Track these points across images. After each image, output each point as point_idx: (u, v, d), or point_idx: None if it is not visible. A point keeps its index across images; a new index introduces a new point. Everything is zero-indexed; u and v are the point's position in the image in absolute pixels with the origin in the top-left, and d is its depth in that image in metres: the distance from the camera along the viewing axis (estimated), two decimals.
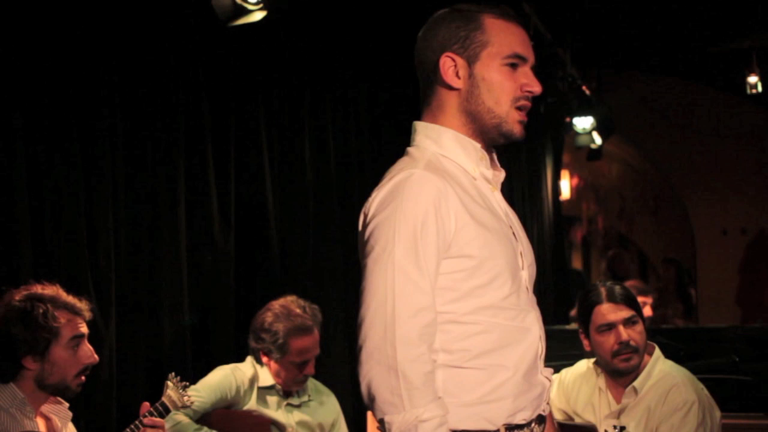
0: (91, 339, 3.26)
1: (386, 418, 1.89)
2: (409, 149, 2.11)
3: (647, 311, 5.67)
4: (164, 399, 2.91)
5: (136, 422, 2.84)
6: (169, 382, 2.95)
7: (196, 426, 3.38)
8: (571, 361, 3.38)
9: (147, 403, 2.89)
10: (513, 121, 2.07)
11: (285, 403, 3.61)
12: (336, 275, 4.77)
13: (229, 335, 4.10)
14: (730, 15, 6.56)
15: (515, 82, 2.05)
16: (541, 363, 2.06)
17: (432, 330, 1.93)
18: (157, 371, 3.69)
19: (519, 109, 2.07)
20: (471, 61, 2.05)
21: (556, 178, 8.63)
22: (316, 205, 4.69)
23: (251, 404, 3.55)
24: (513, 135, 2.08)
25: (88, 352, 2.76)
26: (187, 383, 2.99)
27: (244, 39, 4.04)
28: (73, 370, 2.72)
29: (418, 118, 2.14)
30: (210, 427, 3.42)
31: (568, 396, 3.29)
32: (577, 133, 7.54)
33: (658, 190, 10.46)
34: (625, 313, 3.12)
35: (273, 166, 4.42)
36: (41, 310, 2.67)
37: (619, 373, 3.14)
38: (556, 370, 3.22)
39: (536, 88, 2.07)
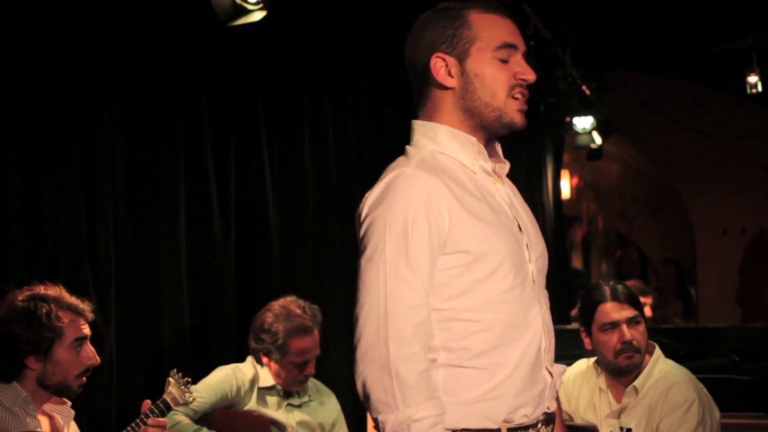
0: (92, 339, 3.26)
1: (380, 418, 1.90)
2: (407, 148, 2.11)
3: (647, 311, 5.65)
4: (165, 396, 2.91)
5: (137, 420, 2.84)
6: (170, 379, 2.95)
7: (195, 427, 3.38)
8: (570, 360, 3.38)
9: (148, 401, 2.89)
10: (512, 111, 2.06)
11: (285, 403, 3.61)
12: (336, 275, 4.77)
13: (229, 335, 4.11)
14: (730, 15, 6.56)
15: (508, 72, 2.05)
16: (546, 357, 2.05)
17: (425, 328, 1.93)
18: (157, 371, 3.69)
19: (516, 98, 2.06)
20: (461, 59, 2.05)
21: (557, 178, 8.63)
22: (316, 205, 4.69)
23: (251, 404, 3.55)
24: (514, 124, 2.07)
25: (90, 354, 2.76)
26: (189, 379, 2.99)
27: (244, 39, 4.04)
28: (75, 371, 2.73)
29: (418, 117, 2.15)
30: (210, 427, 3.42)
31: (569, 396, 3.29)
32: (577, 133, 7.54)
33: (658, 190, 10.46)
34: (629, 312, 3.12)
35: (273, 166, 4.42)
36: (45, 310, 2.68)
37: (621, 371, 3.14)
38: None
39: (530, 76, 2.07)
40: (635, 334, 3.11)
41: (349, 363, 4.81)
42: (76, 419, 2.89)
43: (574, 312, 6.64)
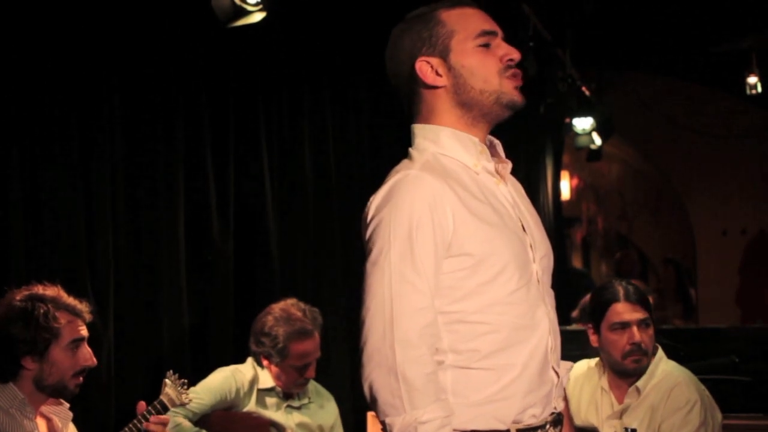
0: (90, 340, 3.26)
1: (387, 420, 1.90)
2: (410, 150, 2.11)
3: None
4: (162, 397, 2.91)
5: (134, 421, 2.84)
6: (167, 380, 2.95)
7: (195, 429, 3.38)
8: (571, 361, 3.37)
9: (143, 403, 2.89)
10: (509, 90, 2.06)
11: (285, 404, 3.61)
12: (336, 276, 4.77)
13: (228, 336, 4.10)
14: (730, 15, 6.55)
15: (493, 56, 2.05)
16: (552, 358, 2.05)
17: (432, 330, 1.92)
18: (156, 372, 3.68)
19: (509, 78, 2.06)
20: (444, 56, 2.05)
21: (557, 179, 8.62)
22: (316, 206, 4.68)
23: (251, 406, 3.55)
24: (515, 102, 2.07)
25: (86, 355, 2.76)
26: (186, 381, 2.99)
27: (244, 40, 4.04)
28: (71, 372, 2.73)
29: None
30: (209, 429, 3.42)
31: (570, 397, 3.28)
32: (576, 134, 7.54)
33: (658, 191, 10.45)
34: (641, 314, 3.12)
35: (272, 167, 4.42)
36: (42, 311, 2.68)
37: (627, 373, 3.13)
38: None
39: (515, 54, 2.07)
40: (644, 337, 3.10)
41: (348, 365, 4.83)
42: (75, 420, 2.89)
43: (574, 313, 6.63)
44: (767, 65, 6.98)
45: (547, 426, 2.03)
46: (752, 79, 7.01)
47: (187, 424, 3.37)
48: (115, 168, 3.55)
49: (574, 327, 4.80)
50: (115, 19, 3.52)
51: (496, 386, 1.96)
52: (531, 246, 2.07)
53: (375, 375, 1.90)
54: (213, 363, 3.71)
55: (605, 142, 8.18)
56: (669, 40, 7.26)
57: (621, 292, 3.15)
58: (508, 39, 2.12)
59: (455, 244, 1.95)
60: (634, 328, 3.10)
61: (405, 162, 2.08)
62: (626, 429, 2.89)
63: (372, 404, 1.93)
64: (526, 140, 7.36)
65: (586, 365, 3.31)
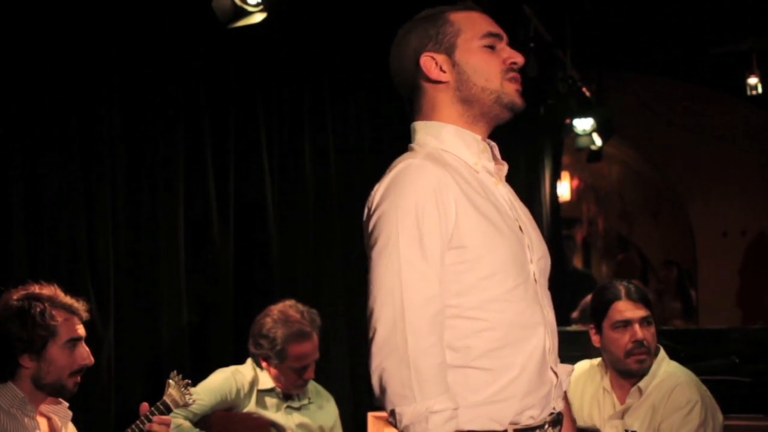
0: (90, 340, 3.25)
1: (397, 410, 1.88)
2: (411, 145, 2.12)
3: None
4: (165, 398, 2.91)
5: (137, 422, 2.84)
6: (170, 381, 2.95)
7: (195, 430, 3.38)
8: (571, 362, 3.37)
9: (146, 404, 2.89)
10: (510, 92, 2.07)
11: (285, 405, 3.61)
12: (336, 276, 4.77)
13: (228, 337, 4.10)
14: (730, 16, 6.55)
15: (497, 58, 2.08)
16: (550, 358, 2.04)
17: (441, 319, 1.91)
18: (156, 372, 3.69)
19: (510, 81, 2.08)
20: (450, 52, 2.07)
21: (555, 180, 8.62)
22: (316, 205, 4.68)
23: (251, 407, 3.55)
24: (515, 104, 2.09)
25: (84, 354, 2.77)
26: (189, 381, 2.99)
27: (244, 41, 4.04)
28: (69, 370, 2.74)
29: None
30: (210, 429, 3.42)
31: (571, 397, 3.27)
32: (577, 135, 7.53)
33: (658, 192, 10.44)
34: (643, 312, 3.12)
35: (272, 167, 4.42)
36: (39, 309, 2.69)
37: (630, 373, 3.13)
38: None
39: (518, 58, 2.09)
40: (647, 335, 3.10)
41: (348, 366, 4.83)
42: (75, 421, 2.89)
43: (575, 314, 6.63)
44: (767, 66, 6.97)
45: (546, 426, 2.03)
46: (753, 80, 7.00)
47: (187, 424, 3.37)
48: (115, 168, 3.55)
49: (574, 328, 4.80)
50: (116, 19, 3.52)
51: (495, 387, 1.95)
52: (528, 247, 2.07)
53: (385, 365, 1.88)
54: (213, 363, 3.71)
55: (605, 143, 8.17)
56: (669, 41, 7.26)
57: (622, 290, 3.15)
58: (509, 39, 2.13)
59: (456, 235, 1.95)
60: (636, 326, 3.10)
61: (406, 154, 2.08)
62: (627, 431, 2.88)
63: (381, 395, 1.90)
64: (525, 141, 7.36)
65: (588, 364, 3.30)
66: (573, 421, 2.28)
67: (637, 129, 9.42)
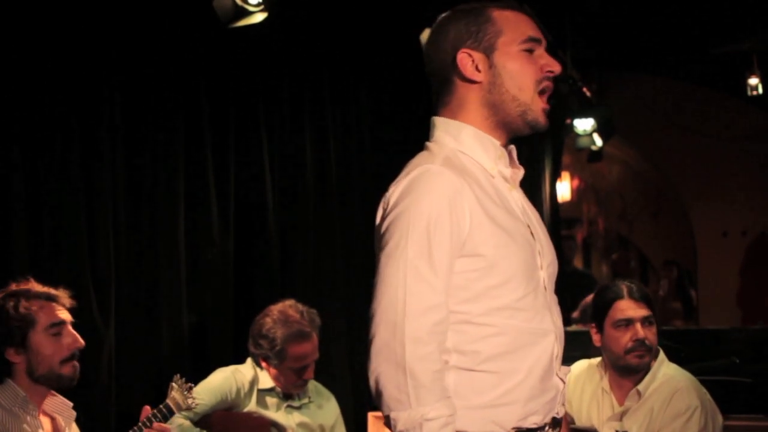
0: (91, 340, 3.26)
1: (392, 415, 1.89)
2: (428, 144, 2.09)
3: None
4: (168, 401, 2.92)
5: (139, 425, 2.84)
6: (173, 384, 2.95)
7: (196, 429, 3.38)
8: (570, 362, 3.37)
9: (148, 407, 2.89)
10: (538, 109, 2.06)
11: (285, 404, 3.61)
12: (336, 276, 4.76)
13: (228, 336, 4.10)
14: (731, 17, 6.55)
15: (535, 64, 2.05)
16: (557, 364, 2.04)
17: (442, 328, 1.91)
18: (157, 372, 3.69)
19: (542, 93, 2.06)
20: (488, 53, 2.04)
21: (554, 180, 8.62)
22: (316, 206, 4.68)
23: (251, 406, 3.55)
24: (538, 124, 2.07)
25: (71, 338, 2.77)
26: (192, 385, 2.99)
27: (245, 40, 4.04)
28: (58, 357, 2.74)
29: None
30: (210, 429, 3.42)
31: (570, 398, 3.28)
32: (577, 135, 7.53)
33: (658, 192, 10.44)
34: (645, 311, 3.12)
35: (273, 167, 4.42)
36: (11, 303, 2.72)
37: (629, 370, 3.12)
38: None
39: (556, 67, 2.07)
40: (648, 334, 3.11)
41: (349, 365, 4.82)
42: (76, 420, 2.89)
43: (575, 314, 6.62)
44: None
45: (547, 428, 2.03)
46: (753, 81, 7.00)
47: (188, 424, 3.37)
48: (116, 168, 3.55)
49: (574, 328, 4.80)
50: (116, 19, 3.52)
51: (499, 390, 1.95)
52: (539, 253, 2.07)
53: (382, 369, 1.89)
54: (213, 363, 3.71)
55: (606, 143, 8.16)
56: (670, 41, 7.26)
57: (624, 290, 3.16)
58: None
59: (469, 244, 1.94)
60: (638, 325, 3.10)
61: (424, 155, 2.06)
62: None
63: (377, 398, 1.91)
64: (525, 141, 7.35)
65: (587, 364, 3.30)
66: (568, 424, 2.28)
67: (638, 129, 9.42)
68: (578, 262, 9.72)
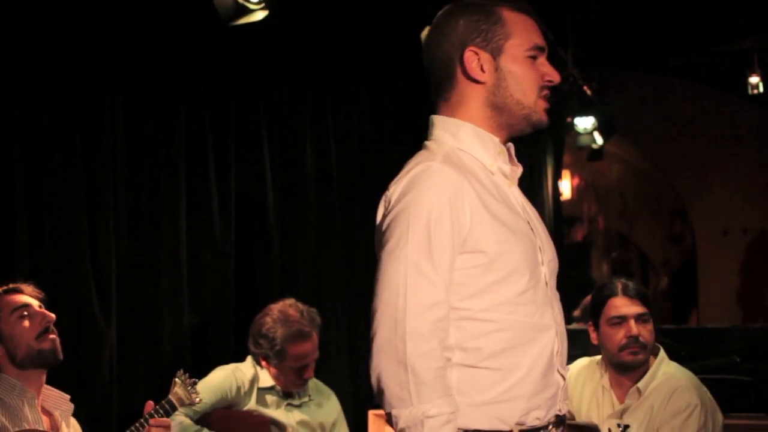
0: (92, 338, 3.27)
1: (393, 412, 1.89)
2: (427, 143, 2.09)
3: None
4: (171, 396, 2.92)
5: (141, 420, 2.84)
6: (177, 379, 2.95)
7: (196, 427, 3.38)
8: (571, 361, 3.37)
9: (152, 402, 2.89)
10: (540, 110, 2.07)
11: (285, 403, 3.61)
12: (337, 275, 4.77)
13: (229, 335, 4.11)
14: (732, 15, 6.55)
15: (537, 71, 2.06)
16: (558, 360, 2.04)
17: (444, 325, 1.92)
18: (158, 370, 3.69)
19: (543, 98, 2.08)
20: (495, 54, 2.04)
21: (557, 178, 8.62)
22: (317, 204, 4.68)
23: (251, 404, 3.55)
24: (542, 123, 2.09)
25: (39, 316, 2.81)
26: (196, 380, 2.99)
27: (246, 38, 4.04)
28: (33, 333, 2.78)
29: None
30: (210, 427, 3.42)
31: (571, 395, 3.28)
32: (578, 134, 7.54)
33: (658, 191, 10.44)
34: (639, 308, 3.13)
35: (274, 165, 4.42)
36: None
37: (625, 367, 3.13)
38: None
39: (556, 77, 2.08)
40: (642, 331, 3.11)
41: (349, 363, 4.82)
42: (78, 418, 2.90)
43: (576, 312, 6.63)
44: None
45: (550, 426, 2.03)
46: (754, 79, 7.01)
47: (188, 422, 3.37)
48: (116, 167, 3.55)
49: (575, 326, 4.80)
50: (117, 18, 3.52)
51: (502, 387, 1.96)
52: (540, 249, 2.08)
53: (384, 366, 1.89)
54: (214, 361, 3.71)
55: (606, 141, 8.17)
56: (671, 40, 7.26)
57: (619, 287, 3.17)
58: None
59: (470, 241, 1.95)
60: (632, 322, 3.11)
61: (423, 153, 2.06)
62: (619, 425, 2.89)
63: (379, 395, 1.92)
64: (526, 139, 7.35)
65: (587, 362, 3.31)
66: (569, 418, 2.29)
67: (638, 128, 9.43)
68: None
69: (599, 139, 7.87)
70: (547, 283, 2.07)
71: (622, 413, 3.13)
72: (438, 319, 1.91)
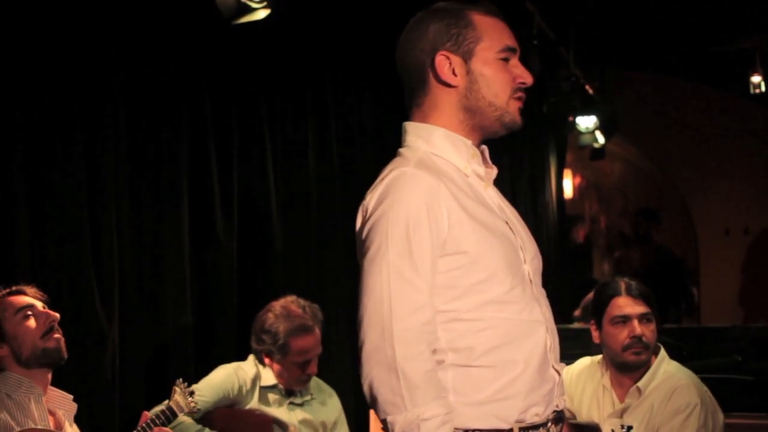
0: (94, 337, 3.27)
1: (389, 419, 1.90)
2: (401, 150, 2.11)
3: None
4: (171, 404, 2.94)
5: (138, 429, 2.86)
6: (176, 387, 2.98)
7: (198, 426, 3.38)
8: (572, 360, 3.38)
9: (147, 413, 2.91)
10: (513, 111, 2.09)
11: (287, 401, 3.62)
12: (339, 273, 4.77)
13: (232, 334, 4.11)
14: (734, 15, 6.55)
15: (510, 74, 2.07)
16: (551, 356, 2.05)
17: (430, 328, 1.92)
18: (160, 369, 3.70)
19: (516, 99, 2.09)
20: (467, 58, 2.05)
21: (560, 177, 8.62)
22: (319, 203, 4.69)
23: (253, 403, 3.55)
24: (515, 124, 2.10)
25: (43, 316, 2.82)
26: (193, 390, 3.01)
27: (248, 37, 4.04)
28: (37, 333, 2.78)
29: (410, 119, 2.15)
30: (212, 426, 3.42)
31: (572, 394, 3.28)
32: (580, 133, 7.55)
33: (660, 190, 10.44)
34: (642, 308, 3.12)
35: (276, 163, 4.42)
36: None
37: (627, 367, 3.13)
38: None
39: (528, 79, 2.09)
40: (646, 331, 3.11)
41: (351, 361, 4.82)
42: (79, 418, 2.90)
43: (577, 312, 6.64)
44: None
45: (549, 424, 2.04)
46: (756, 78, 7.02)
47: (189, 421, 3.38)
48: (119, 167, 3.55)
49: (576, 326, 4.81)
50: (118, 17, 3.52)
51: (498, 384, 1.96)
52: (521, 247, 2.08)
53: (375, 373, 1.90)
54: (216, 360, 3.71)
55: (608, 140, 8.18)
56: (673, 39, 7.26)
57: (623, 286, 3.16)
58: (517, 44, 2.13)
59: (450, 242, 1.96)
60: (635, 322, 3.11)
61: (398, 160, 2.07)
62: (623, 426, 2.89)
63: (372, 403, 1.92)
64: (529, 139, 7.36)
65: (589, 361, 3.31)
66: (566, 420, 2.29)
67: (640, 127, 9.43)
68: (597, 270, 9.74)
69: (601, 139, 7.88)
70: (531, 281, 2.08)
71: (622, 412, 3.13)
72: (424, 322, 1.91)
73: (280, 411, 3.57)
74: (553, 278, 7.77)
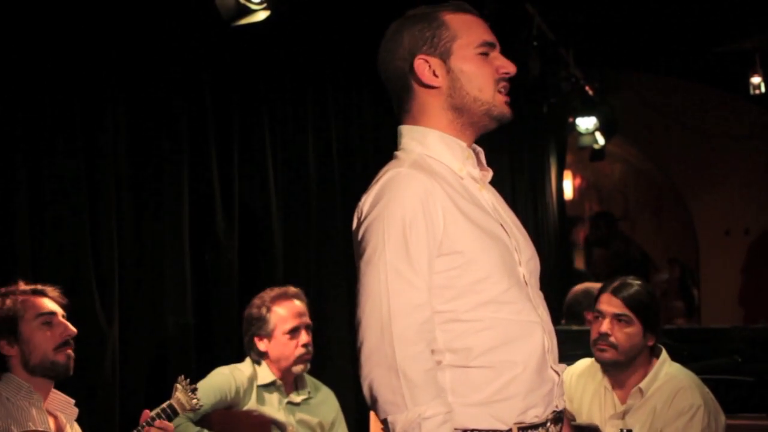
0: (94, 338, 3.26)
1: (389, 418, 1.90)
2: (396, 153, 2.12)
3: None
4: (173, 401, 2.93)
5: (138, 428, 2.85)
6: (178, 385, 2.97)
7: (196, 428, 3.38)
8: (572, 361, 3.38)
9: (147, 411, 2.91)
10: (500, 104, 2.08)
11: (285, 401, 3.61)
12: (339, 273, 4.77)
13: (232, 334, 4.10)
14: (734, 15, 6.55)
15: (491, 66, 2.07)
16: (550, 357, 2.05)
17: (429, 327, 1.93)
18: (161, 370, 3.69)
19: (501, 92, 2.09)
20: (445, 58, 2.06)
21: (560, 178, 8.62)
22: (319, 204, 4.69)
23: (251, 404, 3.54)
24: (504, 116, 2.10)
25: (62, 327, 2.80)
26: (196, 387, 3.00)
27: (248, 38, 4.04)
28: (51, 344, 2.76)
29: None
30: (210, 428, 3.42)
31: (572, 395, 3.28)
32: (580, 134, 7.56)
33: (660, 191, 10.44)
34: (618, 309, 3.12)
35: (276, 164, 4.42)
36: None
37: (601, 362, 3.16)
38: None
39: (511, 68, 2.09)
40: (615, 331, 3.10)
41: (351, 361, 4.82)
42: (79, 417, 2.90)
43: (563, 321, 6.62)
44: None
45: (548, 424, 2.04)
46: (756, 80, 7.02)
47: (188, 423, 3.37)
48: (119, 168, 3.55)
49: (577, 327, 4.80)
50: (118, 18, 3.52)
51: (496, 384, 1.96)
52: (516, 249, 2.09)
53: (375, 374, 1.90)
54: (217, 361, 3.71)
55: (608, 141, 8.18)
56: (672, 40, 7.26)
57: (612, 284, 3.18)
58: (512, 38, 2.13)
59: (446, 242, 1.96)
60: (607, 319, 3.12)
61: (393, 162, 2.08)
62: (622, 430, 2.89)
63: (373, 404, 1.92)
64: (529, 140, 7.36)
65: (590, 362, 3.31)
66: (568, 421, 2.29)
67: (640, 128, 9.43)
68: (579, 261, 9.73)
69: (601, 139, 7.89)
70: (527, 283, 2.08)
71: (624, 414, 3.13)
72: (423, 321, 1.92)
73: (278, 411, 3.57)
74: (552, 279, 7.78)
